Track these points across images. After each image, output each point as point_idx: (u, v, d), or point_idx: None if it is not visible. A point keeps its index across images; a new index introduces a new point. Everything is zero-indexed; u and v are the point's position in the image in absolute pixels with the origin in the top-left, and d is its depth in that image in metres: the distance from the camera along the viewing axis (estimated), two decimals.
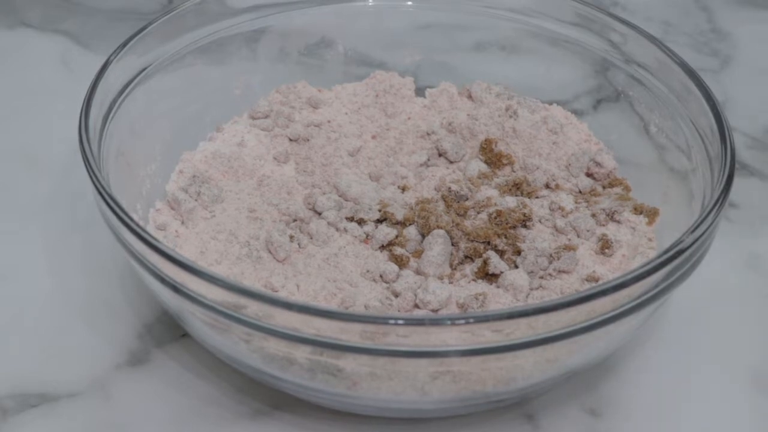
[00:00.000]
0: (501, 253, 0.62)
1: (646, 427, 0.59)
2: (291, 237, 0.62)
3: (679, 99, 0.65)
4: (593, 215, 0.64)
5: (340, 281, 0.60)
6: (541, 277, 0.61)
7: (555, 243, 0.62)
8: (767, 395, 0.60)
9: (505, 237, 0.62)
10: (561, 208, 0.64)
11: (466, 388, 0.54)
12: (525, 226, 0.63)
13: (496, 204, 0.64)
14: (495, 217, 0.62)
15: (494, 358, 0.52)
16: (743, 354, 0.62)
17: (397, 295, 0.59)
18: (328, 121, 0.71)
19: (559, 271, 0.61)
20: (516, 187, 0.66)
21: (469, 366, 0.52)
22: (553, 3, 0.71)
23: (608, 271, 0.61)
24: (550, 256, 0.61)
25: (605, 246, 0.62)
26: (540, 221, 0.64)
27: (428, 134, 0.71)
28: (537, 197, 0.66)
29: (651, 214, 0.64)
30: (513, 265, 0.61)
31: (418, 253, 0.62)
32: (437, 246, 0.61)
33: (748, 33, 0.87)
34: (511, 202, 0.64)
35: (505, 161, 0.68)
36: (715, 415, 0.60)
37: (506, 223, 0.62)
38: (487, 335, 0.50)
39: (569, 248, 0.61)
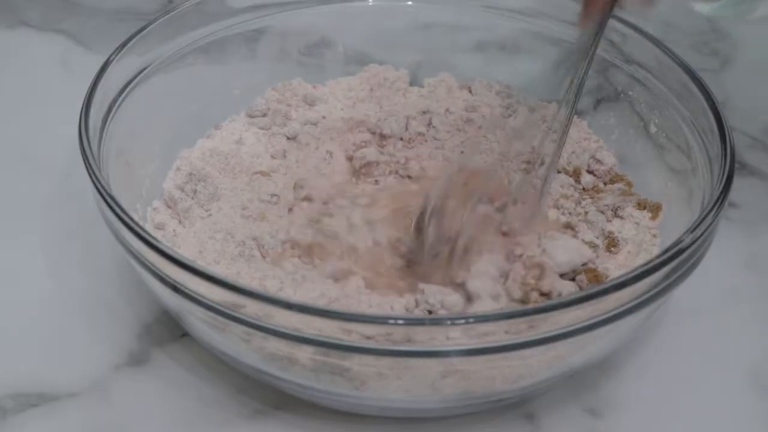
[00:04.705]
0: None
1: (646, 427, 0.59)
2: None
3: (679, 99, 0.65)
4: (600, 212, 0.64)
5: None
6: None
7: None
8: (767, 395, 0.60)
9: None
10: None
11: (470, 388, 0.54)
12: None
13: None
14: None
15: (495, 357, 0.51)
16: (743, 354, 0.62)
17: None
18: (323, 117, 0.71)
19: None
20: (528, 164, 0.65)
21: (470, 365, 0.52)
22: (553, 3, 0.71)
23: (613, 267, 0.61)
24: None
25: (611, 244, 0.62)
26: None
27: (423, 113, 0.70)
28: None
29: (654, 209, 0.64)
30: None
31: None
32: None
33: (748, 33, 0.87)
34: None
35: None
36: (715, 415, 0.59)
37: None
38: (488, 335, 0.50)
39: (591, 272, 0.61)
